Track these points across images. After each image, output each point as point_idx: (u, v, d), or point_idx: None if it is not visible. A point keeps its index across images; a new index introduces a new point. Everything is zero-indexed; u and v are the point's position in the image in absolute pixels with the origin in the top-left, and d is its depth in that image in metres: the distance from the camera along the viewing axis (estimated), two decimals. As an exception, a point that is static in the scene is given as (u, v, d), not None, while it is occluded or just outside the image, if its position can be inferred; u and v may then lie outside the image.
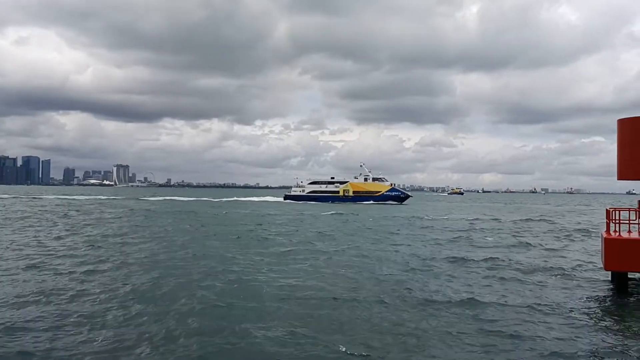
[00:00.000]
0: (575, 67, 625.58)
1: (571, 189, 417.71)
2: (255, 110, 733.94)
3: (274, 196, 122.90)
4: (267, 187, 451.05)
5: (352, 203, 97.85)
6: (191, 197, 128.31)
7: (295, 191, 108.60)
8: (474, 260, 21.80)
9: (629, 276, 15.70)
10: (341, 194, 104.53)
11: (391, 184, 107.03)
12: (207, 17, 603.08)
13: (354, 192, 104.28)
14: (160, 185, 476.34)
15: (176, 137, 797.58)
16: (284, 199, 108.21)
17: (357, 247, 26.41)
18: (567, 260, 22.46)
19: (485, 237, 33.22)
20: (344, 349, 9.85)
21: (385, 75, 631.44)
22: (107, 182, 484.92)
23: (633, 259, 14.98)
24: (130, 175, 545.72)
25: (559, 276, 18.28)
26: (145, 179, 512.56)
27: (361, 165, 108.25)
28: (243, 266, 19.41)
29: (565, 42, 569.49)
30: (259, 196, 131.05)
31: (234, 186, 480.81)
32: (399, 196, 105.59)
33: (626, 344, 10.50)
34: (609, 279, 16.54)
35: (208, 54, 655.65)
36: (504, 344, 10.39)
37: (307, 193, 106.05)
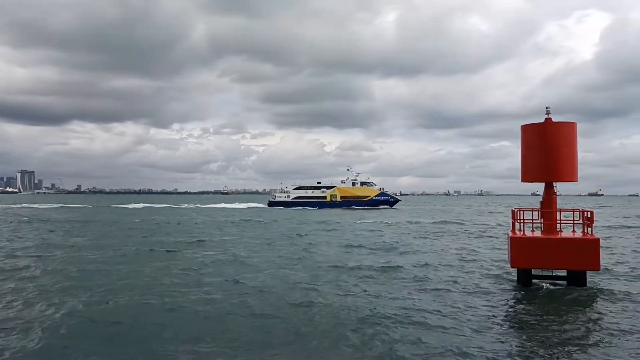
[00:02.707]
0: (486, 74, 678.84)
1: (481, 191, 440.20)
2: (173, 114, 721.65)
3: (257, 202, 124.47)
4: (186, 193, 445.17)
5: (340, 208, 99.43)
6: (135, 203, 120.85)
7: (280, 197, 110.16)
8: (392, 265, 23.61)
9: (532, 273, 17.42)
10: (328, 199, 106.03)
11: (380, 188, 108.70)
12: (121, 16, 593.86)
13: (341, 197, 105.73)
14: (70, 192, 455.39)
15: (87, 140, 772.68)
16: (269, 205, 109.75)
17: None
18: (476, 258, 24.93)
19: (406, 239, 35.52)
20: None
21: (306, 79, 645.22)
22: (10, 189, 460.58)
23: (536, 256, 16.71)
24: (36, 181, 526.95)
25: (468, 273, 20.22)
26: (53, 185, 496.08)
27: (348, 169, 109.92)
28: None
29: (477, 51, 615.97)
30: (234, 202, 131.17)
31: (150, 192, 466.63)
32: (388, 200, 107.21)
33: (530, 336, 11.75)
34: (515, 275, 18.22)
35: (122, 54, 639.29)
36: (413, 340, 11.33)
37: (293, 199, 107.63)
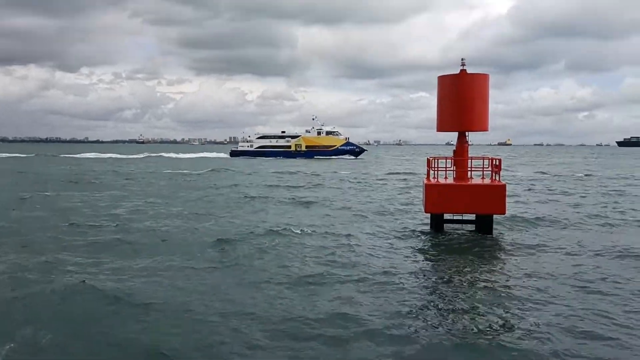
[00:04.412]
0: (407, 25, 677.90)
1: (400, 140, 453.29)
2: (80, 56, 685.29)
3: (219, 152, 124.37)
4: (97, 142, 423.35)
5: (306, 158, 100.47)
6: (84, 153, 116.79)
7: (243, 146, 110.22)
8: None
9: (445, 217, 19.05)
10: (293, 149, 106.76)
11: (346, 138, 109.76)
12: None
13: (307, 146, 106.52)
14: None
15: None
16: (231, 156, 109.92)
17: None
18: (393, 204, 27.09)
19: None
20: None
21: (226, 23, 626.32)
22: None
23: (448, 202, 18.22)
24: None
25: (384, 220, 21.93)
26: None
27: (313, 118, 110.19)
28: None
29: (398, 1, 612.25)
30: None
31: (58, 140, 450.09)
32: (354, 150, 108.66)
33: (439, 277, 12.95)
34: (429, 220, 19.84)
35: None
36: (328, 283, 12.11)
37: (256, 148, 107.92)
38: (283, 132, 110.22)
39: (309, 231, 18.70)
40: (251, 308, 10.16)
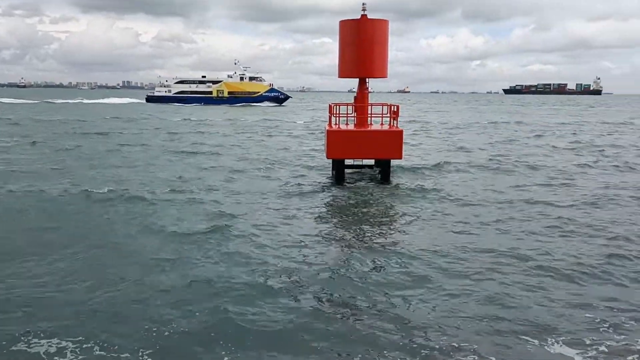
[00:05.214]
0: None
1: (303, 87, 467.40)
2: None
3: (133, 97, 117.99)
4: None
5: (228, 105, 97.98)
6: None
7: (160, 92, 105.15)
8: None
9: (346, 163, 19.80)
10: (215, 95, 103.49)
11: (270, 84, 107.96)
12: None
13: (229, 92, 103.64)
14: None
15: None
16: (147, 101, 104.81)
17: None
18: (299, 151, 27.84)
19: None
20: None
21: None
22: None
23: (349, 147, 18.82)
24: None
25: (288, 166, 22.54)
26: None
27: (235, 63, 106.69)
28: None
29: None
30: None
31: None
32: (278, 97, 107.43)
33: (341, 218, 13.73)
34: (331, 166, 20.56)
35: None
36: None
37: (175, 94, 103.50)
38: (203, 76, 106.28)
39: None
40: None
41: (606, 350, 6.85)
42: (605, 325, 7.51)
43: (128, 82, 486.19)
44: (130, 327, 7.34)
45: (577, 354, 6.77)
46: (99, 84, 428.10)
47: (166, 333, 7.20)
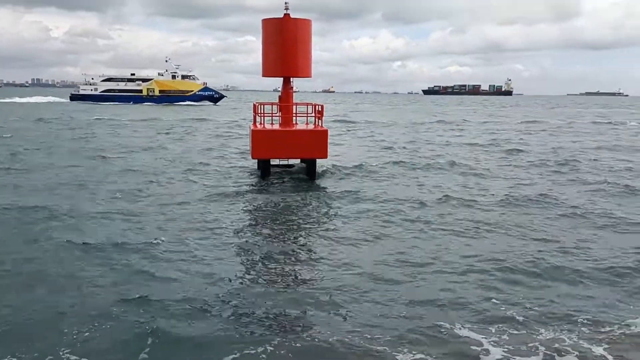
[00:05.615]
0: None
1: (227, 86, 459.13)
2: None
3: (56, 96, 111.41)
4: None
5: (159, 104, 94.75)
6: None
7: (85, 90, 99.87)
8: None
9: (271, 163, 19.71)
10: (145, 93, 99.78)
11: (204, 83, 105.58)
12: None
13: (160, 91, 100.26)
14: None
15: None
16: (71, 100, 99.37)
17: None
18: (223, 151, 27.32)
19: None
20: None
21: None
22: None
23: (274, 147, 18.72)
24: None
25: (214, 170, 21.78)
26: None
27: (167, 60, 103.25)
28: None
29: None
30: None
31: None
32: (212, 96, 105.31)
33: (264, 222, 13.56)
34: (256, 166, 20.42)
35: None
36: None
37: (101, 92, 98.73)
38: (132, 74, 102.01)
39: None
40: None
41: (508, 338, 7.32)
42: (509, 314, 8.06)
43: (38, 79, 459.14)
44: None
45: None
46: (5, 82, 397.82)
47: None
